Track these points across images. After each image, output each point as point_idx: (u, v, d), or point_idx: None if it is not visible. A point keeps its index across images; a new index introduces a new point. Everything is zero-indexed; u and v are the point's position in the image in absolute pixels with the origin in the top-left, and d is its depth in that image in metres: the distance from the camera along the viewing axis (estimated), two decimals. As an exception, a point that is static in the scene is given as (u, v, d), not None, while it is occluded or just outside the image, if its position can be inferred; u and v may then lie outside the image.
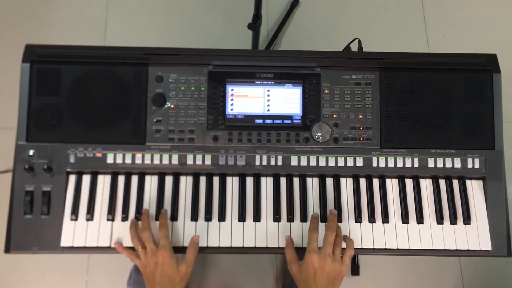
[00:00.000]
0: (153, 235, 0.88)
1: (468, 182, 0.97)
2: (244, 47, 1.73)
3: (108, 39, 1.80)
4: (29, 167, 0.89)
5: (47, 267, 1.52)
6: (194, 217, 0.92)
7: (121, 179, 0.94)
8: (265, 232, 0.92)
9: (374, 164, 0.95)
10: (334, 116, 0.96)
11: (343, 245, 0.89)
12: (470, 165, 0.95)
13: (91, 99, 0.94)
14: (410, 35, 1.86)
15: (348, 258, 0.87)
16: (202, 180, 0.95)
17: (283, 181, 0.96)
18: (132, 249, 0.90)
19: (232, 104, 0.96)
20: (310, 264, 0.84)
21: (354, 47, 1.36)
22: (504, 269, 1.60)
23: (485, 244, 0.93)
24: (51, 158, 0.92)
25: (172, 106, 0.95)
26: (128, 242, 0.90)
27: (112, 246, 0.90)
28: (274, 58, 0.99)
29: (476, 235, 0.93)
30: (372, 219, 0.94)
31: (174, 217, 0.92)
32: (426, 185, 0.96)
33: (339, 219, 0.93)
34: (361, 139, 0.96)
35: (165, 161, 0.93)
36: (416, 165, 0.95)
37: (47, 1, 1.84)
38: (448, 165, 0.95)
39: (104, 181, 0.94)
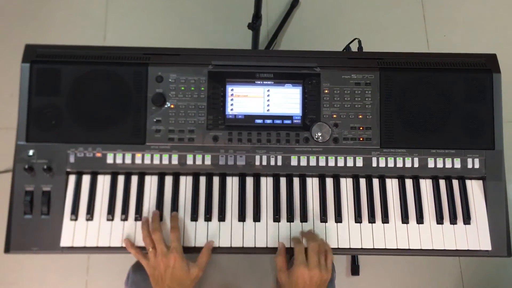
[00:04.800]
0: (163, 237, 0.87)
1: (468, 182, 0.97)
2: (244, 47, 1.73)
3: (108, 39, 1.80)
4: (29, 167, 0.89)
5: (47, 267, 1.52)
6: (194, 217, 0.92)
7: (121, 179, 0.94)
8: (265, 232, 0.92)
9: (374, 164, 0.95)
10: (334, 116, 0.96)
11: None
12: (470, 165, 0.95)
13: (91, 99, 0.94)
14: (410, 35, 1.86)
15: (331, 263, 0.88)
16: (202, 180, 0.95)
17: (283, 181, 0.96)
18: (141, 248, 0.89)
19: (232, 104, 0.96)
20: (300, 277, 0.83)
21: (354, 47, 1.36)
22: (504, 269, 1.60)
23: (485, 244, 0.93)
24: (51, 158, 0.92)
25: (172, 106, 0.95)
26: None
27: (112, 246, 0.90)
28: (274, 58, 0.99)
29: (476, 235, 0.93)
30: (372, 219, 0.94)
31: (174, 217, 0.92)
32: (426, 185, 0.96)
33: (339, 219, 0.93)
34: (361, 139, 0.96)
35: (165, 161, 0.93)
36: (416, 165, 0.95)
37: (47, 1, 1.84)
38: (448, 165, 0.95)
39: (104, 181, 0.94)
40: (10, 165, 0.92)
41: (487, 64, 0.98)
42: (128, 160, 0.93)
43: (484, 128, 0.96)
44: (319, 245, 0.87)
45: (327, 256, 0.87)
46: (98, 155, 0.93)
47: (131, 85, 0.95)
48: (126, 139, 0.94)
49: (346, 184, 0.96)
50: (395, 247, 0.92)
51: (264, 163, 0.94)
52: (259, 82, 0.97)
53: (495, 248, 0.93)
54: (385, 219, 0.94)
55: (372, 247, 0.92)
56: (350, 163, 0.95)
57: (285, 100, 0.97)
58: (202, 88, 0.96)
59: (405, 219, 0.94)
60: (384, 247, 0.92)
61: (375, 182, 0.96)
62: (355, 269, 1.53)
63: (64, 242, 0.90)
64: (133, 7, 1.86)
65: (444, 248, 0.93)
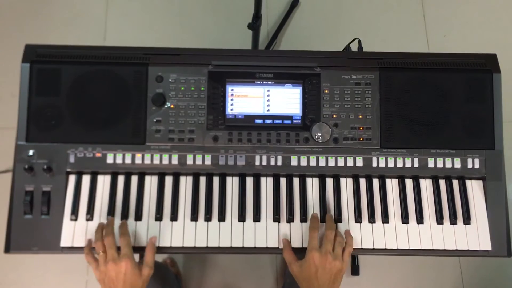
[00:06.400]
0: (115, 243, 0.86)
1: (468, 182, 0.96)
2: (244, 47, 1.73)
3: (108, 39, 1.80)
4: (29, 167, 0.89)
5: (47, 267, 1.52)
6: (194, 217, 0.92)
7: (121, 179, 0.94)
8: (265, 232, 0.92)
9: (374, 164, 0.95)
10: (334, 116, 0.96)
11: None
12: (470, 165, 0.95)
13: (91, 99, 0.94)
14: (410, 35, 1.87)
15: (348, 255, 0.88)
16: (202, 180, 0.95)
17: (283, 181, 0.96)
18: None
19: (232, 104, 0.96)
20: (312, 262, 0.84)
21: (354, 47, 1.36)
22: (504, 269, 1.60)
23: (485, 244, 0.93)
24: (51, 158, 0.92)
25: (172, 106, 0.95)
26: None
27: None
28: (274, 58, 0.99)
29: (476, 235, 0.93)
30: (372, 219, 0.94)
31: (174, 218, 0.92)
32: (426, 185, 0.96)
33: (339, 219, 0.93)
34: (361, 139, 0.96)
35: (165, 161, 0.93)
36: (416, 165, 0.95)
37: (47, 1, 1.84)
38: (448, 165, 0.95)
39: (104, 181, 0.94)
40: (10, 165, 0.92)
41: (487, 64, 0.98)
42: (128, 160, 0.93)
43: (484, 128, 0.96)
44: (336, 235, 0.88)
45: (344, 249, 0.88)
46: (98, 155, 0.93)
47: (131, 85, 0.95)
48: (126, 139, 0.93)
49: (346, 184, 0.96)
50: (395, 247, 0.92)
51: (264, 163, 0.94)
52: (259, 82, 0.97)
53: (495, 248, 0.93)
54: (385, 219, 0.94)
55: (372, 247, 0.92)
56: (350, 163, 0.95)
57: (285, 100, 0.97)
58: (202, 88, 0.96)
59: (405, 219, 0.94)
60: (384, 247, 0.92)
61: (375, 182, 0.96)
62: (355, 269, 1.53)
63: (64, 242, 0.90)
64: (133, 7, 1.86)
65: (444, 248, 0.93)
